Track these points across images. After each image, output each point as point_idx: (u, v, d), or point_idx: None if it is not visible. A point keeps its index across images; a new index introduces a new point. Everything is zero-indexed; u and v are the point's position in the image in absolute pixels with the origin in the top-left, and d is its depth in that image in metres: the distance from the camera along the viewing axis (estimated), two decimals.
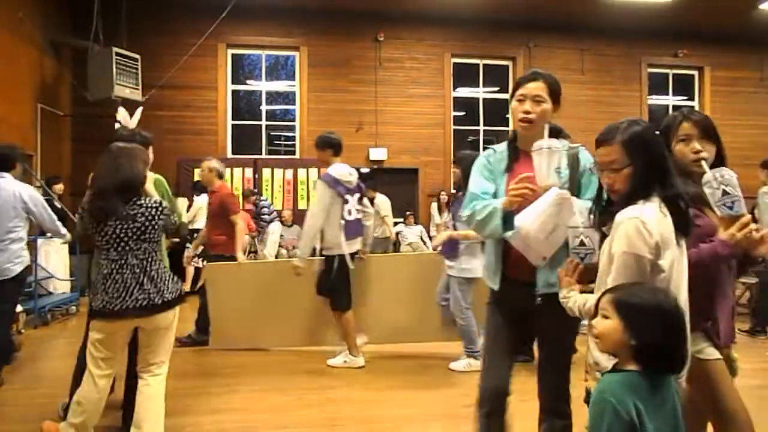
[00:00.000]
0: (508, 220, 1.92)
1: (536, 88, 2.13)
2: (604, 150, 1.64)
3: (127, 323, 2.65)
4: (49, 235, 4.91)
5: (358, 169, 11.14)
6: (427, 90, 10.07)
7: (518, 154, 2.14)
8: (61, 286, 6.54)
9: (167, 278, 2.70)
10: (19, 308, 5.20)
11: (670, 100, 11.23)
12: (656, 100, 11.09)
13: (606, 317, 1.42)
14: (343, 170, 4.37)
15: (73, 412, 2.68)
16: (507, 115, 10.63)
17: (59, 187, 7.04)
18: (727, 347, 1.87)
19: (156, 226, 2.67)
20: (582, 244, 1.77)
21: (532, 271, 1.99)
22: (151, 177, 3.01)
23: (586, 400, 1.53)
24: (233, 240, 4.78)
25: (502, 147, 2.21)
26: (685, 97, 11.30)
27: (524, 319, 2.11)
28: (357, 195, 4.43)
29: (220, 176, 5.01)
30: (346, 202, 4.28)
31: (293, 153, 9.99)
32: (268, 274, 4.88)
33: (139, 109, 3.54)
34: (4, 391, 3.77)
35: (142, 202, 2.65)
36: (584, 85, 10.30)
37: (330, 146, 4.46)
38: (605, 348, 1.45)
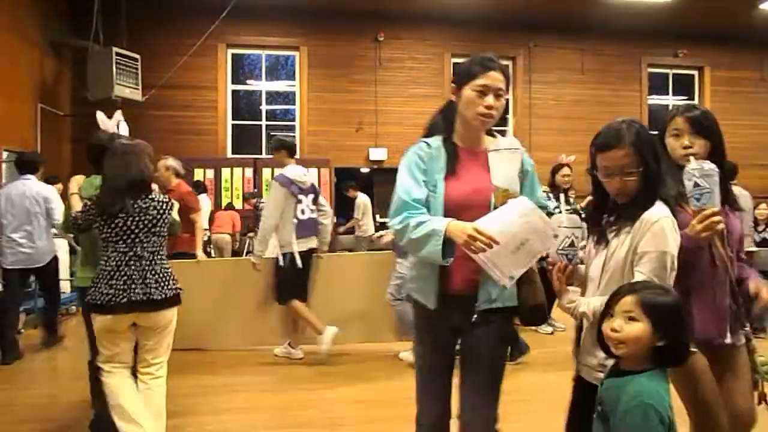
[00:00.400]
0: (449, 243, 1.63)
1: (499, 80, 1.92)
2: (615, 153, 1.62)
3: (128, 318, 2.62)
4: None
5: (358, 169, 11.23)
6: (427, 90, 10.07)
7: (457, 153, 1.91)
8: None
9: (169, 275, 2.72)
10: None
11: (670, 100, 11.23)
12: (656, 100, 11.09)
13: (633, 319, 1.38)
14: (297, 171, 4.51)
15: (119, 416, 2.61)
16: (507, 115, 10.63)
17: (58, 187, 7.02)
18: (719, 345, 1.84)
19: (166, 221, 2.73)
20: (572, 244, 1.73)
21: (474, 283, 1.76)
22: None
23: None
24: (195, 238, 4.78)
25: (436, 142, 1.95)
26: (685, 97, 11.30)
27: (456, 336, 1.88)
28: (311, 195, 4.55)
29: (177, 174, 5.00)
30: (299, 201, 4.43)
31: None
32: (229, 272, 4.87)
33: (118, 112, 3.54)
34: (3, 391, 3.77)
35: (153, 196, 2.73)
36: (584, 85, 10.30)
37: (284, 148, 4.62)
38: (631, 351, 1.39)
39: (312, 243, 4.56)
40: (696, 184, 1.61)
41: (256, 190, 9.07)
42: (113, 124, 3.35)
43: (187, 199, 4.86)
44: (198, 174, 8.91)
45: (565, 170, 5.03)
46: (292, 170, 4.47)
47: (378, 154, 9.77)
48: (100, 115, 3.38)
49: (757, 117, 11.07)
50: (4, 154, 6.97)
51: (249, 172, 9.29)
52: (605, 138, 1.65)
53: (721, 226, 1.63)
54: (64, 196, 7.28)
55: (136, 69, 8.02)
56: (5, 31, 6.99)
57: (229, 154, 9.60)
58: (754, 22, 10.05)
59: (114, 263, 2.61)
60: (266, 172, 9.33)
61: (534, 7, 9.54)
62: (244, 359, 4.56)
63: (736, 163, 4.46)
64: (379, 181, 10.12)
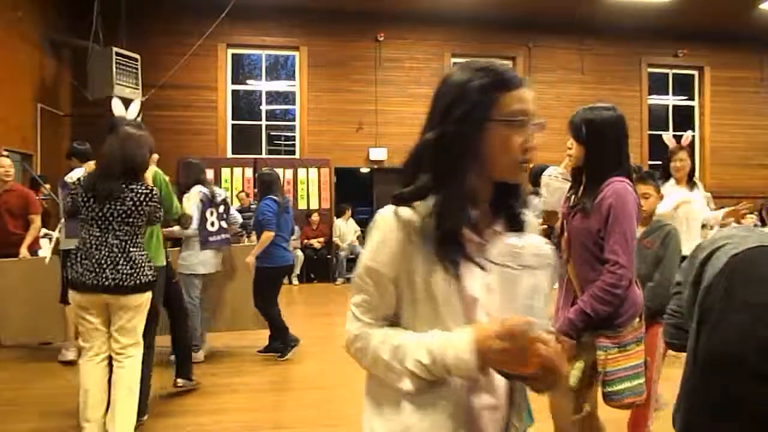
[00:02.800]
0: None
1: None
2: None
3: (98, 299, 2.73)
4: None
5: (358, 169, 11.24)
6: (427, 90, 9.82)
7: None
8: None
9: (143, 263, 2.78)
10: None
11: (670, 100, 11.23)
12: (656, 100, 11.09)
13: None
14: (78, 174, 4.33)
15: (81, 400, 2.75)
16: None
17: (47, 187, 6.97)
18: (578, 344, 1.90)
19: (141, 212, 2.76)
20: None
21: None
22: (150, 169, 3.08)
23: None
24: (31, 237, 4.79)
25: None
26: (685, 97, 11.30)
27: None
28: None
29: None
30: None
31: (293, 153, 9.99)
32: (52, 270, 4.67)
33: (136, 102, 3.59)
34: (3, 391, 3.77)
35: (134, 186, 2.75)
36: (584, 85, 10.30)
37: (74, 155, 4.41)
38: None
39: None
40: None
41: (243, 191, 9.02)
42: (132, 110, 3.43)
43: (30, 201, 4.89)
44: None
45: None
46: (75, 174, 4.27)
47: (378, 154, 9.76)
48: (116, 102, 3.50)
49: (757, 117, 11.06)
50: (4, 154, 6.96)
51: (249, 172, 9.29)
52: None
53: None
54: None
55: (136, 69, 8.02)
56: (5, 31, 6.99)
57: (229, 154, 9.60)
58: (754, 22, 10.05)
59: (87, 245, 2.73)
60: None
61: (534, 7, 9.54)
62: (245, 359, 4.57)
63: (638, 166, 4.32)
64: (379, 181, 10.13)
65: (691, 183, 4.14)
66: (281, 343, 4.57)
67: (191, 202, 4.24)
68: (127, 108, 3.70)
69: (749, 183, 10.47)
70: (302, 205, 9.38)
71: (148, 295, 2.83)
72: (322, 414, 3.39)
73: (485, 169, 1.07)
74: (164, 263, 3.24)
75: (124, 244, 2.73)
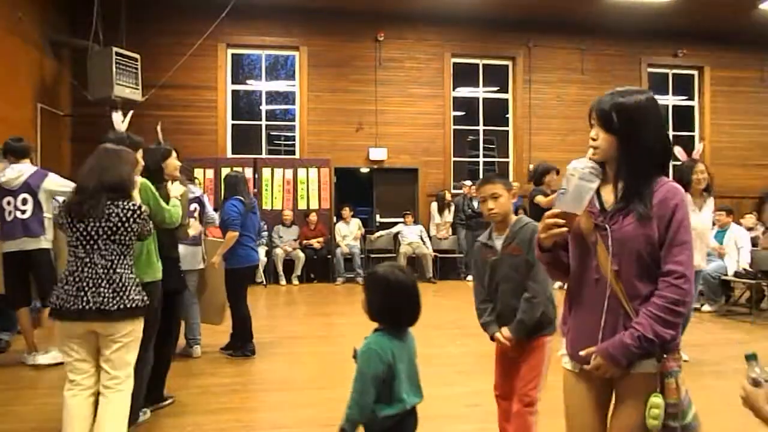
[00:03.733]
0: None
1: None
2: None
3: (82, 326, 2.51)
4: None
5: (358, 169, 11.25)
6: (427, 90, 10.07)
7: None
8: None
9: (130, 286, 2.57)
10: None
11: (670, 100, 11.23)
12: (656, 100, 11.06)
13: None
14: (6, 172, 4.34)
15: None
16: (507, 115, 10.63)
17: None
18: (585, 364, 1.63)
19: (129, 229, 2.58)
20: None
21: None
22: (137, 180, 2.93)
23: None
24: None
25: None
26: (685, 97, 11.30)
27: None
28: (22, 195, 4.30)
29: None
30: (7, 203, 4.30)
31: (293, 153, 9.99)
32: None
33: (130, 113, 3.63)
34: (3, 392, 3.77)
35: (119, 203, 2.58)
36: (584, 85, 10.30)
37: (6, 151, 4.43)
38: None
39: (26, 245, 4.28)
40: (562, 183, 1.62)
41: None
42: (125, 124, 3.43)
43: None
44: (198, 174, 8.91)
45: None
46: (8, 173, 4.33)
47: (378, 154, 9.77)
48: (116, 116, 3.47)
49: (757, 117, 11.06)
50: None
51: (249, 172, 9.28)
52: None
53: (557, 231, 1.60)
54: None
55: (136, 69, 8.02)
56: (5, 31, 6.99)
57: (229, 154, 9.60)
58: (754, 22, 10.04)
59: (71, 268, 2.54)
60: (266, 172, 9.33)
61: (534, 7, 9.54)
62: (244, 359, 4.56)
63: (692, 164, 4.32)
64: (379, 181, 10.13)
65: (706, 192, 4.31)
66: (240, 343, 4.63)
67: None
68: (125, 116, 3.68)
69: (749, 183, 10.47)
70: (302, 205, 9.38)
71: (138, 323, 2.61)
72: (322, 414, 3.39)
73: None
74: (157, 278, 3.04)
75: (110, 264, 2.54)
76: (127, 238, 2.59)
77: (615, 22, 10.00)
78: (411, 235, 9.32)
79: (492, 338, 2.54)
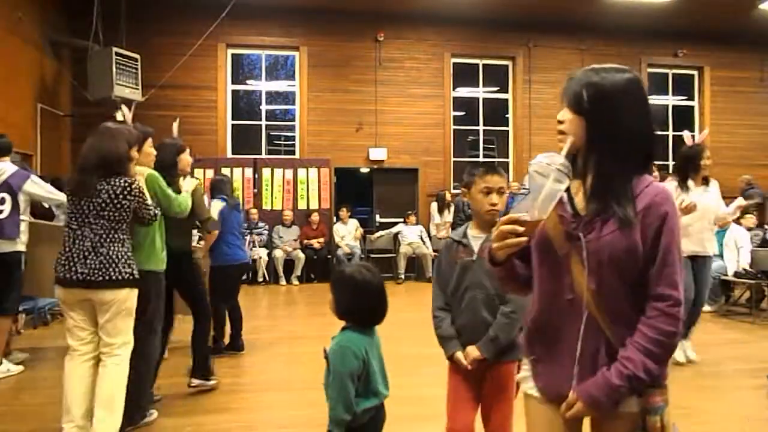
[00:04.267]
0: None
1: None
2: None
3: (75, 294, 2.69)
4: None
5: (358, 169, 11.25)
6: (427, 90, 10.07)
7: None
8: None
9: (119, 259, 2.69)
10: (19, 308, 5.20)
11: (670, 100, 11.23)
12: (656, 100, 11.08)
13: None
14: None
15: (63, 398, 2.75)
16: (507, 115, 10.63)
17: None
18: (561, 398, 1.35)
19: (118, 206, 2.69)
20: None
21: None
22: (143, 170, 3.04)
23: None
24: None
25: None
26: (685, 97, 11.31)
27: None
28: (0, 195, 4.21)
29: None
30: None
31: (293, 153, 9.99)
32: None
33: (133, 104, 3.67)
34: (3, 392, 3.77)
35: (111, 179, 2.69)
36: None
37: None
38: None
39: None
40: (523, 184, 1.45)
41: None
42: (130, 115, 3.50)
43: None
44: (198, 174, 8.91)
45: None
46: None
47: (378, 154, 9.77)
48: (124, 109, 3.54)
49: (757, 117, 11.07)
50: None
51: (249, 172, 9.29)
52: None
53: (514, 241, 1.24)
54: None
55: (136, 69, 8.02)
56: (5, 31, 6.99)
57: (229, 154, 9.60)
58: (754, 22, 10.05)
59: (67, 240, 2.72)
60: (266, 172, 9.33)
61: (534, 7, 9.54)
62: (245, 359, 4.56)
63: (700, 148, 4.27)
64: (379, 181, 10.13)
65: (705, 183, 4.31)
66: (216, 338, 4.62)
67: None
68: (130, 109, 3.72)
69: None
70: (302, 205, 9.38)
71: (125, 292, 2.70)
72: (322, 414, 3.37)
73: None
74: (159, 268, 3.09)
75: (98, 238, 2.67)
76: (116, 214, 2.70)
77: (615, 22, 10.01)
78: (411, 235, 9.32)
79: (450, 357, 2.14)
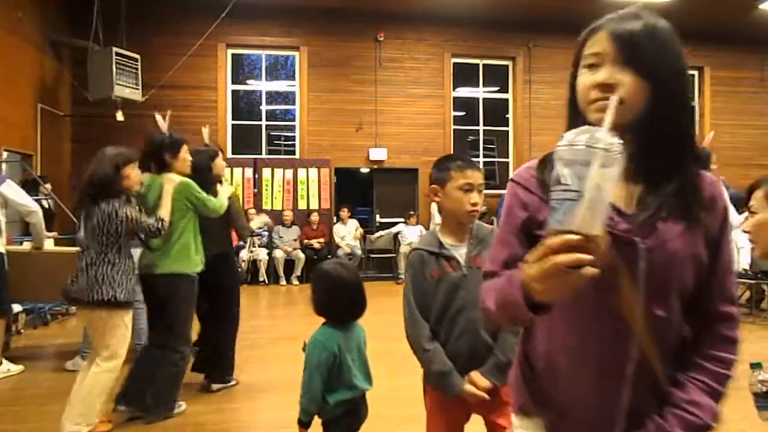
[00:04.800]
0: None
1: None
2: None
3: (79, 312, 3.02)
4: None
5: (358, 169, 11.24)
6: (427, 90, 10.07)
7: None
8: None
9: (103, 281, 2.85)
10: (18, 308, 5.20)
11: None
12: None
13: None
14: None
15: None
16: (507, 115, 10.63)
17: (47, 187, 6.95)
18: None
19: (105, 230, 2.87)
20: None
21: None
22: (175, 178, 3.21)
23: None
24: None
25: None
26: None
27: None
28: None
29: None
30: None
31: (293, 153, 9.99)
32: None
33: (168, 113, 3.95)
34: (3, 392, 3.77)
35: (103, 205, 2.87)
36: None
37: None
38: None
39: None
40: (559, 180, 0.80)
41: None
42: (167, 123, 3.64)
43: None
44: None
45: None
46: None
47: (378, 154, 9.77)
48: (158, 118, 3.68)
49: (757, 117, 11.07)
50: (4, 154, 6.97)
51: (249, 172, 9.29)
52: None
53: (580, 274, 0.77)
54: (64, 195, 7.27)
55: (136, 69, 8.02)
56: (5, 31, 6.99)
57: (229, 154, 9.59)
58: (754, 22, 10.05)
59: (77, 257, 2.99)
60: (266, 172, 9.33)
61: (534, 7, 9.54)
62: (244, 359, 4.56)
63: (709, 150, 3.86)
64: (379, 181, 10.13)
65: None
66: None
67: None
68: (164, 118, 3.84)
69: (749, 183, 10.45)
70: (302, 205, 9.38)
71: (114, 314, 2.88)
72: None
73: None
74: (190, 271, 3.24)
75: (90, 258, 2.88)
76: (104, 238, 2.88)
77: None
78: (411, 236, 9.31)
79: (451, 392, 1.73)
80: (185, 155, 3.31)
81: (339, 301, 1.99)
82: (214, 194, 3.46)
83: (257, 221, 4.04)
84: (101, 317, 2.88)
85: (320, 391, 1.91)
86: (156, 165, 3.30)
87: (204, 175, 3.50)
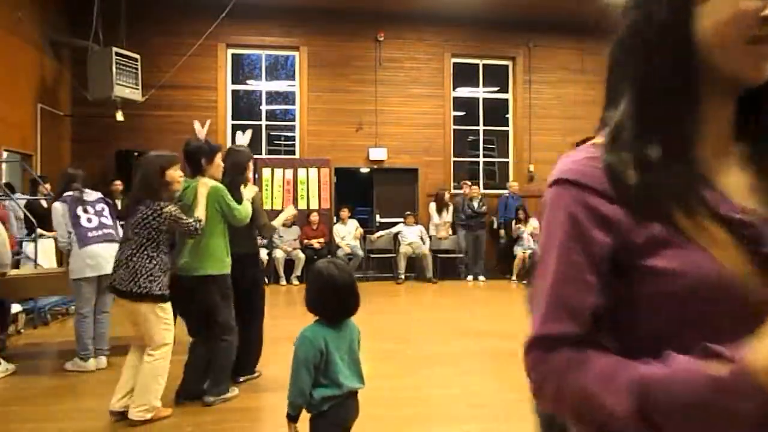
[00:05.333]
0: None
1: None
2: None
3: (119, 300, 3.17)
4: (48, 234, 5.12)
5: (358, 169, 11.24)
6: (427, 90, 10.08)
7: None
8: None
9: (143, 274, 3.07)
10: (18, 308, 5.21)
11: None
12: None
13: None
14: None
15: None
16: (507, 115, 10.63)
17: (46, 187, 6.93)
18: None
19: (147, 226, 3.08)
20: None
21: None
22: (209, 182, 3.39)
23: None
24: None
25: None
26: None
27: None
28: None
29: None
30: None
31: (293, 153, 10.00)
32: None
33: (208, 122, 4.03)
34: (3, 391, 3.77)
35: (146, 202, 3.10)
36: (584, 85, 10.29)
37: None
38: None
39: None
40: None
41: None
42: (204, 131, 3.76)
43: None
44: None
45: None
46: None
47: (378, 154, 9.77)
48: (196, 124, 3.81)
49: None
50: (4, 154, 6.97)
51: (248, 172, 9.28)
52: None
53: None
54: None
55: (136, 69, 8.02)
56: (5, 31, 6.99)
57: None
58: None
59: (117, 250, 3.22)
60: (266, 172, 9.33)
61: (534, 7, 9.54)
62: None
63: None
64: (379, 181, 10.14)
65: None
66: None
67: (53, 213, 4.23)
68: (203, 125, 3.97)
69: None
70: (302, 205, 9.38)
71: (151, 307, 3.09)
72: None
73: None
74: (222, 272, 3.44)
75: (130, 251, 3.08)
76: (146, 233, 3.09)
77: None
78: (411, 236, 9.32)
79: None
80: (219, 161, 3.53)
81: (330, 300, 2.01)
82: (240, 197, 3.60)
83: (281, 218, 4.06)
84: (141, 311, 3.09)
85: (306, 386, 1.96)
86: (191, 169, 3.52)
87: (238, 179, 3.71)
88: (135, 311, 3.10)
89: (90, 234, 4.14)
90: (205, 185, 3.38)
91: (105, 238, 4.18)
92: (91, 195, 4.35)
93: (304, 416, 2.04)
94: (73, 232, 4.12)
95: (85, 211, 4.22)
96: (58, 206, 4.20)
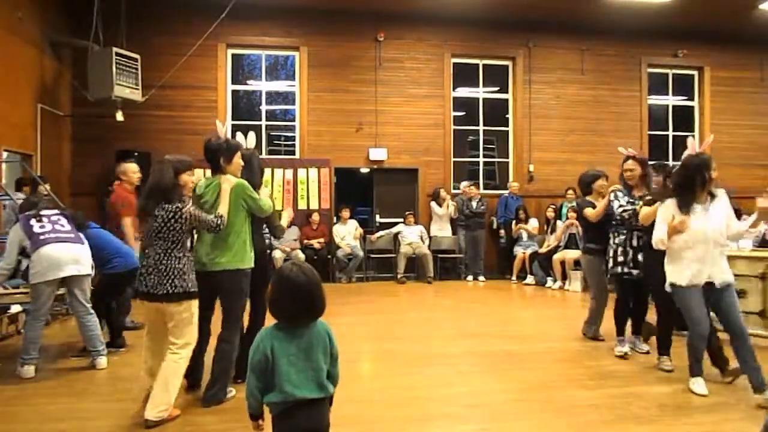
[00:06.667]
0: None
1: None
2: None
3: (147, 304, 3.22)
4: None
5: (358, 169, 11.25)
6: (427, 90, 10.07)
7: None
8: None
9: (174, 275, 3.15)
10: (18, 308, 5.20)
11: (670, 100, 11.23)
12: (656, 100, 11.08)
13: None
14: None
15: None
16: (507, 115, 10.63)
17: (45, 187, 6.92)
18: None
19: (171, 228, 3.17)
20: None
21: None
22: (230, 180, 3.46)
23: None
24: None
25: None
26: (685, 97, 11.30)
27: None
28: None
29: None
30: None
31: (293, 153, 10.00)
32: None
33: (228, 123, 4.00)
34: (3, 391, 3.77)
35: (165, 206, 3.17)
36: (584, 85, 10.30)
37: None
38: None
39: None
40: None
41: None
42: (225, 130, 3.79)
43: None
44: (198, 174, 8.89)
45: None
46: None
47: (378, 154, 9.77)
48: (218, 124, 3.86)
49: (757, 117, 11.07)
50: (4, 154, 6.97)
51: None
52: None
53: None
54: (65, 196, 7.25)
55: (136, 69, 8.02)
56: (5, 31, 6.99)
57: None
58: (754, 22, 10.05)
59: (141, 256, 3.28)
60: (266, 172, 9.29)
61: (534, 7, 9.54)
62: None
63: (709, 157, 3.65)
64: (379, 181, 10.14)
65: (710, 196, 3.68)
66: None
67: (11, 234, 4.16)
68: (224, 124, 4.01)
69: (749, 183, 10.47)
70: (302, 205, 9.38)
71: (184, 304, 3.18)
72: None
73: None
74: (249, 266, 3.59)
75: (158, 256, 3.16)
76: (170, 236, 3.17)
77: (615, 22, 10.01)
78: (411, 235, 9.32)
79: None
80: (238, 160, 3.57)
81: (286, 303, 1.97)
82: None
83: (284, 220, 4.15)
84: (177, 310, 3.16)
85: (254, 388, 1.97)
86: (212, 167, 3.60)
87: (258, 178, 3.84)
88: (169, 312, 3.17)
89: (42, 237, 4.03)
90: (228, 181, 3.44)
91: (58, 238, 4.07)
92: (49, 211, 4.29)
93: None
94: (28, 243, 4.04)
95: (39, 221, 4.14)
96: (16, 227, 4.14)
